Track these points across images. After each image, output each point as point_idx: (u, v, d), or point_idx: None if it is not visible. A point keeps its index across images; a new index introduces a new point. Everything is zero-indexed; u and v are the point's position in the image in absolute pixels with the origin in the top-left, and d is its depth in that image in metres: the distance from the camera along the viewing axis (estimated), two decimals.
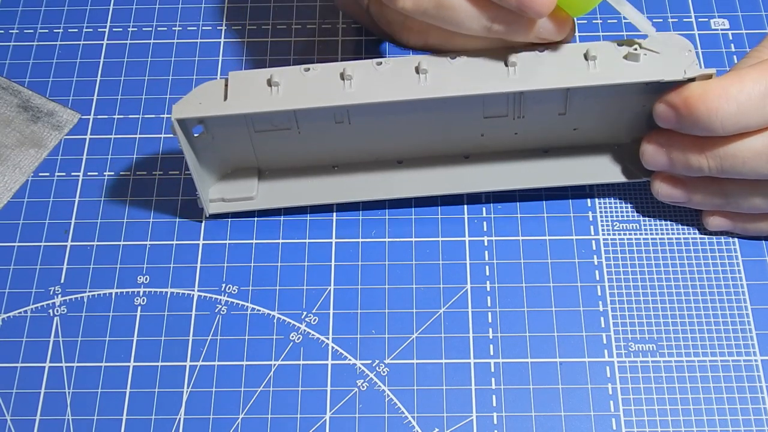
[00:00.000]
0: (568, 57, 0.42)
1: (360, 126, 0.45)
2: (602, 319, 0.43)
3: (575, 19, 0.42)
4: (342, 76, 0.42)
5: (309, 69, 0.42)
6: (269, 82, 0.42)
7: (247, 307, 0.44)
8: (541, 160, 0.46)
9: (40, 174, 0.48)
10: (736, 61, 0.44)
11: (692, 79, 0.41)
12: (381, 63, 0.42)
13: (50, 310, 0.44)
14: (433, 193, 0.46)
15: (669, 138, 0.43)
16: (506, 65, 0.41)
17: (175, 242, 0.46)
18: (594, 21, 0.52)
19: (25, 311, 0.44)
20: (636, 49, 0.41)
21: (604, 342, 0.43)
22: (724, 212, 0.44)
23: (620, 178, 0.46)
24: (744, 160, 0.41)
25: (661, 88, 0.42)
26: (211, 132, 0.44)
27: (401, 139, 0.46)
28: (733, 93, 0.39)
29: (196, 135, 0.44)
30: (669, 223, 0.46)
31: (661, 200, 0.45)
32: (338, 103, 0.41)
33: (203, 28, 0.53)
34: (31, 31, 0.53)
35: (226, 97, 0.42)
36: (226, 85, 0.42)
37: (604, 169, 0.46)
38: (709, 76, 0.41)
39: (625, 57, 0.41)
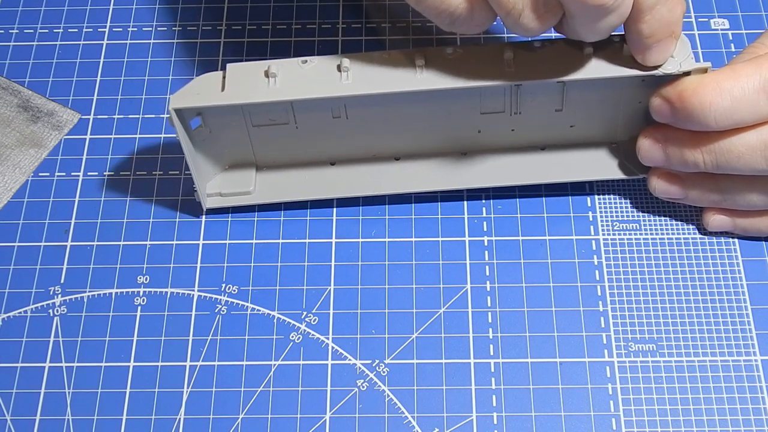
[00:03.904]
0: (565, 51, 0.42)
1: (357, 121, 0.45)
2: (602, 319, 0.43)
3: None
4: (339, 68, 0.42)
5: (306, 61, 0.42)
6: (267, 74, 0.42)
7: (247, 307, 0.44)
8: (538, 157, 0.46)
9: (40, 174, 0.48)
10: None
11: (688, 73, 0.41)
12: (379, 56, 0.42)
13: (50, 310, 0.44)
14: (430, 189, 0.46)
15: (665, 133, 0.43)
16: (503, 58, 0.42)
17: (175, 242, 0.46)
18: None
19: (25, 311, 0.44)
20: None
21: (604, 342, 0.43)
22: (724, 211, 0.44)
23: (617, 175, 0.46)
24: (739, 155, 0.41)
25: (657, 83, 0.42)
26: (209, 125, 0.44)
27: (398, 135, 0.46)
28: (727, 87, 0.39)
29: (194, 128, 0.44)
30: (669, 223, 0.46)
31: (658, 196, 0.45)
32: (335, 94, 0.41)
33: (203, 28, 0.53)
34: (31, 31, 0.53)
35: (223, 88, 0.42)
36: (224, 77, 0.42)
37: (601, 166, 0.46)
38: (704, 70, 0.41)
39: (622, 51, 0.42)
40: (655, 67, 0.41)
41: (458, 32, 0.41)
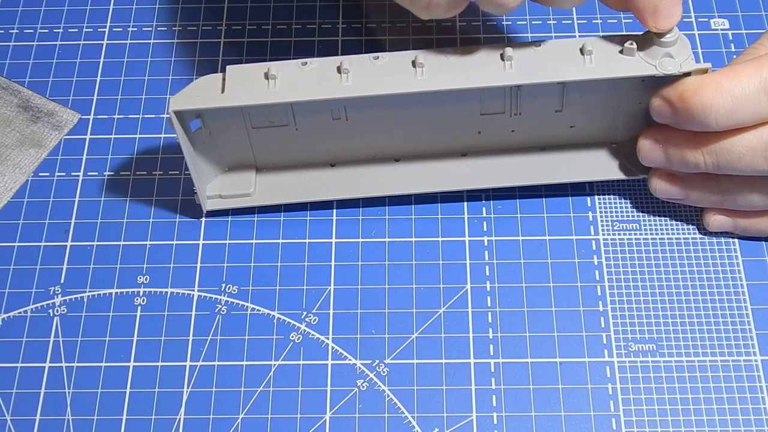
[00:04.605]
0: (565, 51, 0.42)
1: (357, 122, 0.45)
2: (602, 319, 0.43)
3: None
4: (339, 70, 0.42)
5: (306, 63, 0.42)
6: (266, 76, 0.42)
7: (247, 307, 0.44)
8: (538, 157, 0.46)
9: (40, 174, 0.48)
10: None
11: (688, 74, 0.41)
12: (378, 57, 0.42)
13: (50, 310, 0.44)
14: (430, 190, 0.46)
15: (666, 134, 0.43)
16: (502, 59, 0.42)
17: (175, 242, 0.46)
18: (594, 21, 0.53)
19: (25, 311, 0.44)
20: (632, 44, 0.41)
21: (604, 342, 0.43)
22: (725, 211, 0.44)
23: (617, 175, 0.46)
24: (740, 155, 0.41)
25: (657, 84, 0.42)
26: (209, 127, 0.44)
27: (398, 137, 0.46)
28: (727, 88, 0.39)
29: (193, 130, 0.44)
30: (669, 223, 0.46)
31: (658, 197, 0.45)
32: (335, 96, 0.41)
33: (203, 28, 0.53)
34: (31, 31, 0.53)
35: (223, 90, 0.42)
36: (224, 79, 0.42)
37: (602, 166, 0.46)
38: (704, 71, 0.41)
39: (621, 52, 0.42)
40: (655, 68, 0.41)
41: (435, 17, 0.41)
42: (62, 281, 0.45)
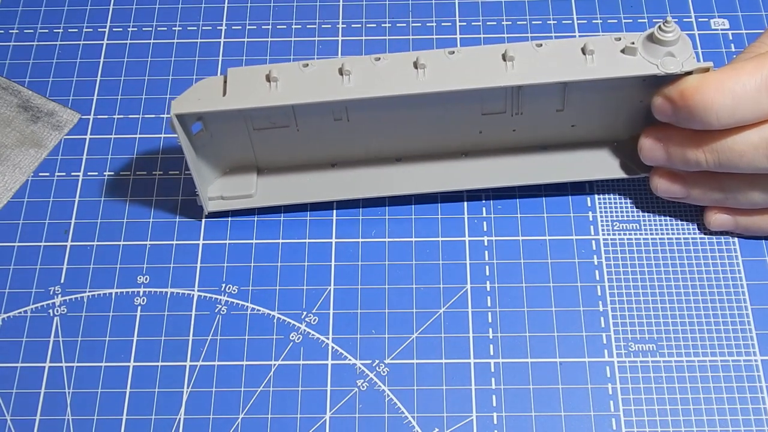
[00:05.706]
0: (566, 51, 0.42)
1: (358, 123, 0.45)
2: (602, 319, 0.43)
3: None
4: (341, 72, 0.42)
5: (308, 65, 0.42)
6: (268, 78, 0.42)
7: (247, 307, 0.44)
8: (539, 157, 0.46)
9: (40, 174, 0.48)
10: None
11: (690, 73, 0.41)
12: (379, 59, 0.42)
13: (50, 310, 0.44)
14: (431, 190, 0.46)
15: (667, 133, 0.43)
16: (504, 60, 0.42)
17: (175, 242, 0.46)
18: (594, 21, 0.52)
19: (25, 311, 0.44)
20: (633, 44, 0.41)
21: (604, 342, 0.43)
22: (726, 209, 0.44)
23: (619, 174, 0.46)
24: (741, 153, 0.41)
25: (658, 83, 0.42)
26: (210, 129, 0.44)
27: (400, 137, 0.46)
28: (728, 85, 0.39)
29: (195, 133, 0.44)
30: (669, 222, 0.46)
31: (660, 196, 0.45)
32: (336, 98, 0.41)
33: (203, 28, 0.53)
34: (31, 31, 0.53)
35: (224, 93, 0.42)
36: (225, 81, 0.42)
37: (603, 165, 0.46)
38: (706, 70, 0.41)
39: (623, 51, 0.42)
40: (657, 68, 0.41)
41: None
42: (62, 281, 0.45)
